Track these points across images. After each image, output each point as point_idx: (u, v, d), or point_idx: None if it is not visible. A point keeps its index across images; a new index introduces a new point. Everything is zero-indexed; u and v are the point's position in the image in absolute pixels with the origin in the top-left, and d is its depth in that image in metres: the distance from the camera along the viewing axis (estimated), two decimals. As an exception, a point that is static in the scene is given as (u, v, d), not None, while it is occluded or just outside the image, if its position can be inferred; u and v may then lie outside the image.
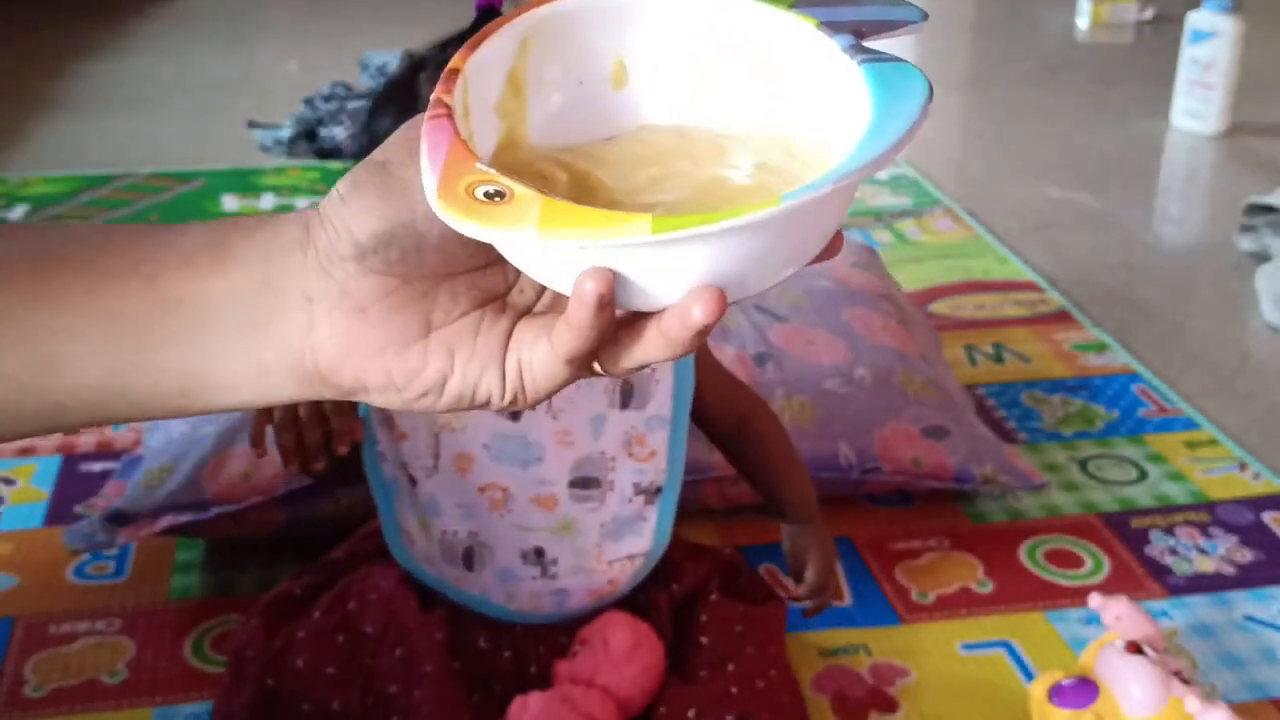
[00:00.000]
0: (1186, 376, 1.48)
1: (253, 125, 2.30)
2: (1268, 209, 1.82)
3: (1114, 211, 2.03)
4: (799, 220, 0.34)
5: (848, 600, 1.09)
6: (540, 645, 0.91)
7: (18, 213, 1.92)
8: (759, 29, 0.39)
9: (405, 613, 0.88)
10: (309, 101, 2.30)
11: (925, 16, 0.39)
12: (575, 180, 0.38)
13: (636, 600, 0.93)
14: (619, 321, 0.36)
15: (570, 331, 0.36)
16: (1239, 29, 2.27)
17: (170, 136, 2.30)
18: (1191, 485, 1.27)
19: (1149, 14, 3.12)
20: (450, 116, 0.36)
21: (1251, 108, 2.38)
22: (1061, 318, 1.62)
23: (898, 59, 0.36)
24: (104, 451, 1.28)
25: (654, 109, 0.41)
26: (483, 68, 0.38)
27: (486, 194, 0.34)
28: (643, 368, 0.38)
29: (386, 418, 0.90)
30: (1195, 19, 2.32)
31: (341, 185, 0.39)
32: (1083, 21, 3.14)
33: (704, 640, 0.90)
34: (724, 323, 1.29)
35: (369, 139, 0.84)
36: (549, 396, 0.40)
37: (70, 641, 1.03)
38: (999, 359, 1.51)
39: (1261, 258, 1.79)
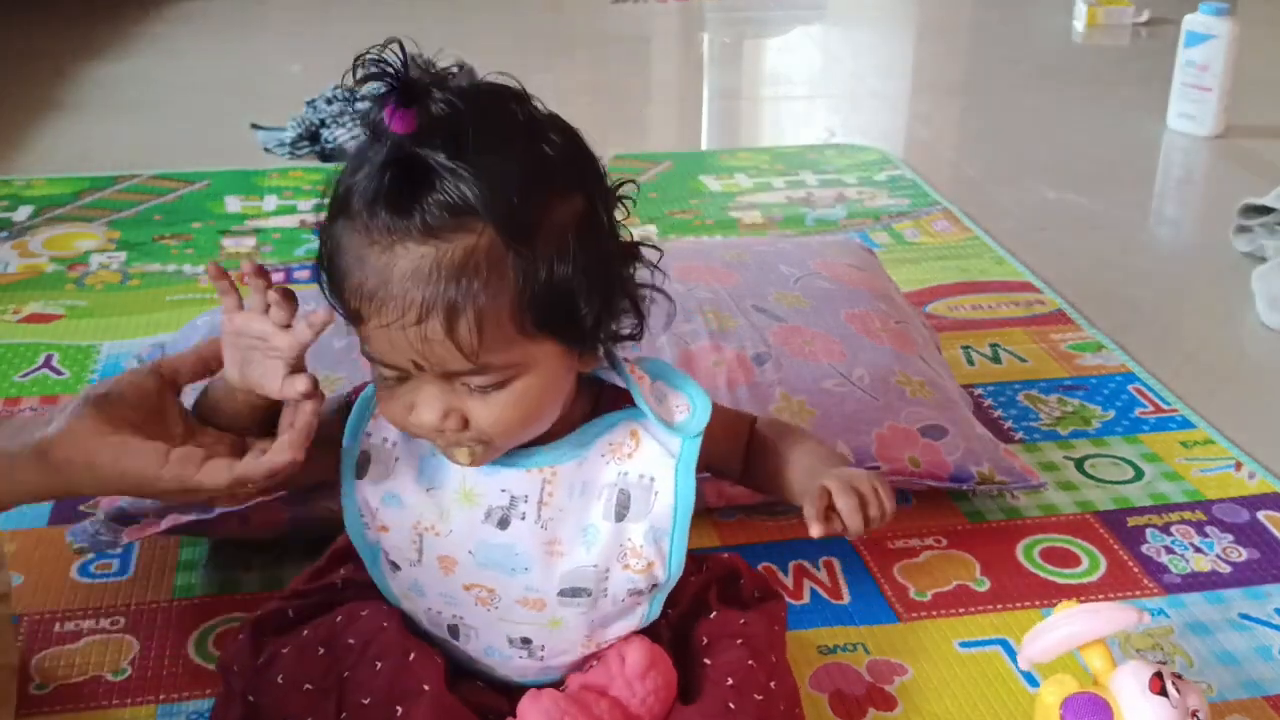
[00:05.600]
0: (1182, 376, 1.49)
1: (256, 127, 2.31)
2: (1263, 210, 1.83)
3: (1110, 213, 2.04)
4: None
5: (846, 598, 1.10)
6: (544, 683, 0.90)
7: (22, 214, 1.93)
8: None
9: (408, 641, 0.86)
10: (311, 104, 2.30)
11: None
12: None
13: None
14: None
15: None
16: (1234, 31, 2.29)
17: (174, 138, 2.31)
18: (1187, 484, 1.28)
19: (1144, 16, 3.13)
20: None
21: (1247, 110, 2.39)
22: (1058, 318, 1.63)
23: None
24: (108, 451, 1.28)
25: None
26: None
27: None
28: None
29: (370, 509, 0.87)
30: (1191, 21, 2.33)
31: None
32: (1079, 24, 3.16)
33: (706, 661, 0.89)
34: (723, 323, 1.30)
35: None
36: None
37: (74, 639, 1.03)
38: (996, 359, 1.52)
39: (1257, 258, 1.80)
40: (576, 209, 0.77)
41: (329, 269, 0.77)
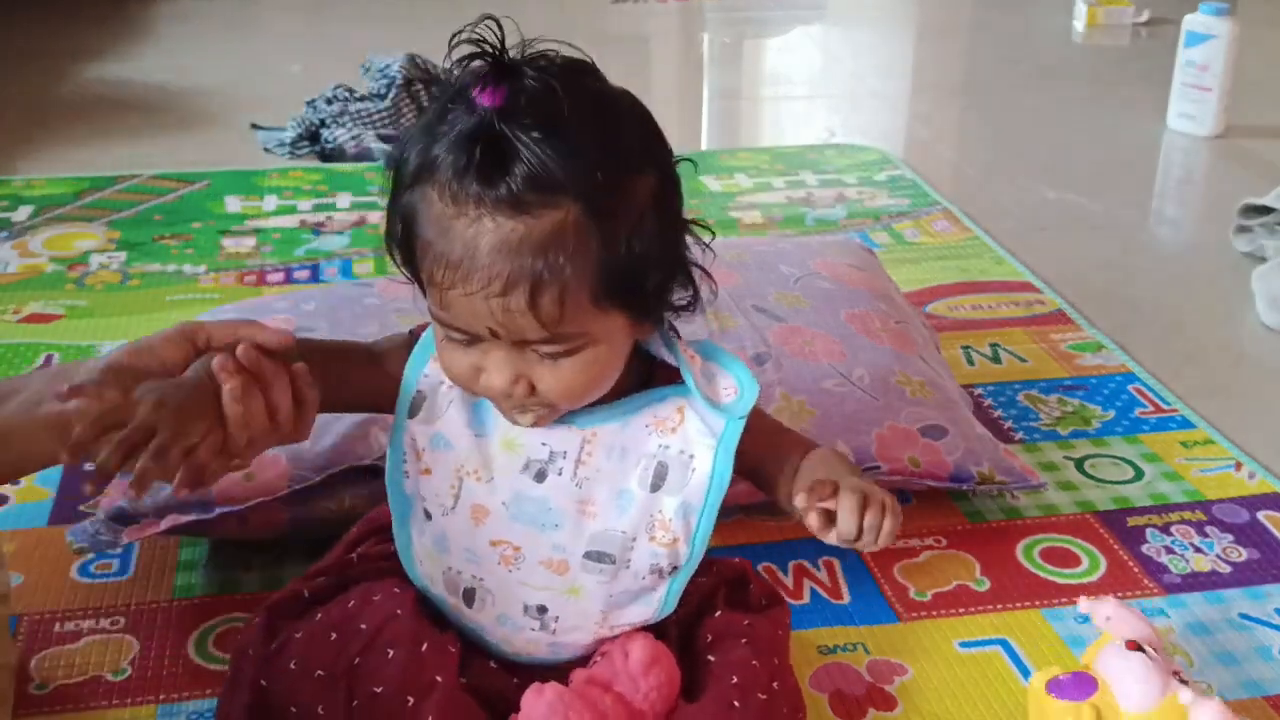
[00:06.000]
0: (1182, 376, 1.49)
1: (256, 127, 2.31)
2: (1263, 210, 1.83)
3: (1110, 213, 2.04)
4: None
5: (846, 598, 1.10)
6: (551, 677, 0.89)
7: (22, 213, 1.93)
8: None
9: (421, 629, 0.87)
10: (311, 103, 2.31)
11: None
12: None
13: (645, 627, 0.92)
14: None
15: None
16: (1234, 31, 2.29)
17: (174, 138, 2.31)
18: (1187, 484, 1.28)
19: (1145, 16, 3.14)
20: None
21: (1246, 110, 2.39)
22: (1058, 318, 1.63)
23: None
24: (107, 451, 1.28)
25: None
26: None
27: None
28: None
29: (416, 448, 0.88)
30: (1191, 21, 2.33)
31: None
32: (1079, 24, 3.16)
33: (711, 659, 0.90)
34: (723, 323, 1.30)
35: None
36: None
37: (74, 639, 1.03)
38: (996, 359, 1.52)
39: (1257, 258, 1.80)
40: (651, 185, 0.79)
41: (404, 235, 0.79)
